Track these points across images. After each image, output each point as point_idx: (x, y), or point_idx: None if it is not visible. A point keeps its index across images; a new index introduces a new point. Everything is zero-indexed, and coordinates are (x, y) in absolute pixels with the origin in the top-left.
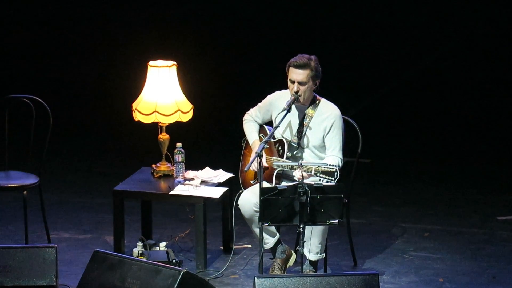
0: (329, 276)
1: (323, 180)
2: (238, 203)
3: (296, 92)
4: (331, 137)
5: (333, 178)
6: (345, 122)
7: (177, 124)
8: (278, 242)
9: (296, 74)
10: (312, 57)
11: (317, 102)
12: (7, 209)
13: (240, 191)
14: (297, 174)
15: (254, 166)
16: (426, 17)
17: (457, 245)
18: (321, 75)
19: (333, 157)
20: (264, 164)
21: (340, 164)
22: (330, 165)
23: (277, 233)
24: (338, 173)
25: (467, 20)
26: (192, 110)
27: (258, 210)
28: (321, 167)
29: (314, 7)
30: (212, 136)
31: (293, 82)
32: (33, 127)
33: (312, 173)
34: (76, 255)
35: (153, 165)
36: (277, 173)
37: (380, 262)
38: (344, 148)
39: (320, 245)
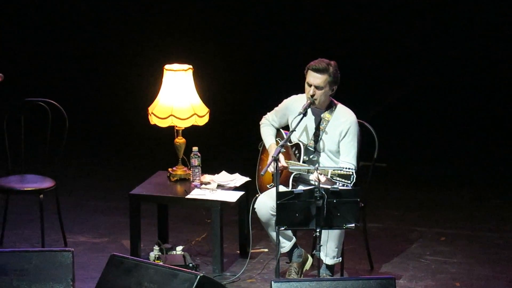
0: (346, 280)
1: (339, 184)
2: (255, 207)
3: (312, 96)
4: (345, 143)
5: (349, 181)
6: (362, 126)
7: (193, 127)
8: (294, 246)
9: (314, 78)
10: (332, 62)
11: (333, 107)
12: (23, 213)
13: (257, 195)
14: (313, 176)
15: (271, 170)
16: (448, 15)
17: (474, 249)
18: (339, 82)
19: (347, 163)
20: (283, 164)
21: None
22: (346, 168)
23: (294, 237)
24: (355, 176)
25: (491, 19)
26: (208, 114)
27: (275, 214)
28: (338, 170)
29: (333, 11)
30: (229, 139)
31: (310, 85)
32: (49, 130)
33: (329, 176)
34: (93, 259)
35: (170, 169)
36: (293, 177)
37: (396, 266)
38: (359, 155)
39: (336, 249)
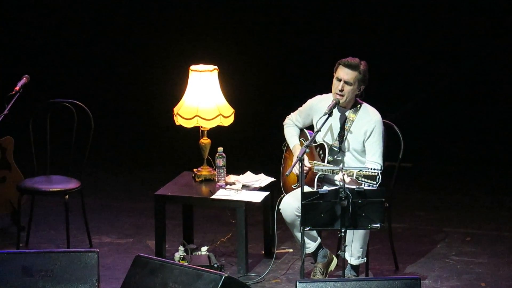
0: (371, 280)
1: (365, 185)
2: (280, 207)
3: (341, 91)
4: (371, 143)
5: (375, 182)
6: (387, 127)
7: (219, 128)
8: (319, 247)
9: (344, 73)
10: (363, 62)
11: (358, 106)
12: (49, 214)
13: (282, 195)
14: (338, 177)
15: (296, 170)
16: (471, 15)
17: (499, 249)
18: (367, 82)
19: (373, 163)
20: (308, 165)
21: (380, 170)
22: (371, 169)
23: (319, 238)
24: (380, 177)
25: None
26: (233, 115)
27: (300, 214)
28: (363, 171)
29: (359, 12)
30: (254, 140)
31: (339, 80)
32: (74, 131)
33: (354, 177)
34: (118, 259)
35: (195, 170)
36: (318, 177)
37: (421, 267)
38: (384, 154)
39: (361, 249)
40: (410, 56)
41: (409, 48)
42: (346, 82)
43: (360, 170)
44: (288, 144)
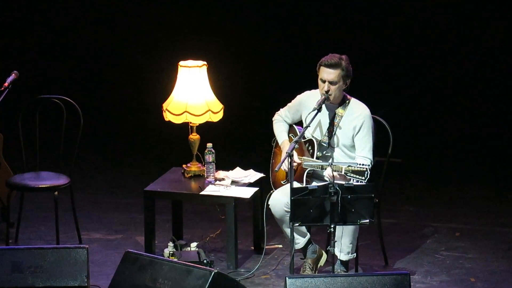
0: (360, 276)
1: (353, 180)
2: (269, 203)
3: (327, 92)
4: (360, 137)
5: (363, 178)
6: (376, 122)
7: (208, 124)
8: (309, 242)
9: (327, 74)
10: (343, 56)
11: (347, 101)
12: (38, 210)
13: (271, 191)
14: (326, 173)
15: (285, 166)
16: (463, 11)
17: (489, 244)
18: (351, 75)
19: (363, 158)
20: (297, 161)
21: (370, 165)
22: (360, 164)
23: (308, 233)
24: (369, 172)
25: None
26: (222, 110)
27: (289, 210)
28: (352, 166)
29: (344, 6)
30: (243, 136)
31: (323, 81)
32: (63, 127)
33: (343, 173)
34: (107, 255)
35: (184, 165)
36: (307, 173)
37: (411, 262)
38: (374, 148)
39: (351, 245)
40: (399, 51)
41: (397, 43)
42: (330, 82)
43: (349, 166)
44: (277, 140)
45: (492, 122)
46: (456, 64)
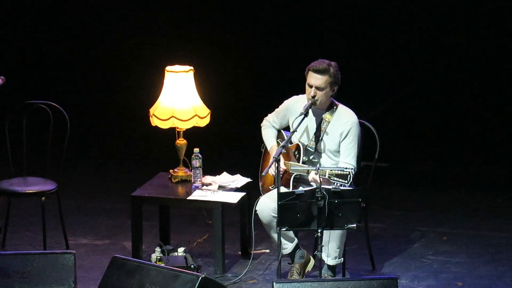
0: (348, 280)
1: (337, 184)
2: (256, 208)
3: (313, 97)
4: (346, 144)
5: (346, 181)
6: (363, 126)
7: (195, 129)
8: (296, 247)
9: (315, 79)
10: (333, 63)
11: (334, 107)
12: (25, 215)
13: (260, 196)
14: (311, 177)
15: (272, 171)
16: (447, 15)
17: (476, 248)
18: (340, 82)
19: (345, 164)
20: (282, 167)
21: (354, 169)
22: (344, 168)
23: (295, 238)
24: (352, 175)
25: (491, 19)
26: (209, 115)
27: (276, 215)
28: (335, 170)
29: (332, 12)
30: (230, 141)
31: (310, 86)
32: (50, 133)
33: (327, 177)
34: (95, 261)
35: (171, 170)
36: (294, 177)
37: (398, 266)
38: (359, 156)
39: (338, 249)
40: (386, 55)
41: (384, 47)
42: (317, 88)
43: (332, 170)
44: (265, 146)
45: (480, 126)
46: (443, 66)
